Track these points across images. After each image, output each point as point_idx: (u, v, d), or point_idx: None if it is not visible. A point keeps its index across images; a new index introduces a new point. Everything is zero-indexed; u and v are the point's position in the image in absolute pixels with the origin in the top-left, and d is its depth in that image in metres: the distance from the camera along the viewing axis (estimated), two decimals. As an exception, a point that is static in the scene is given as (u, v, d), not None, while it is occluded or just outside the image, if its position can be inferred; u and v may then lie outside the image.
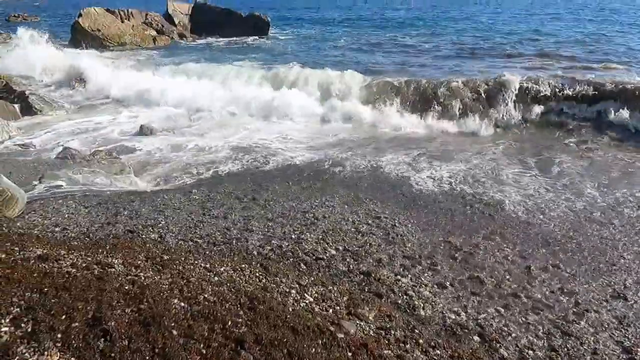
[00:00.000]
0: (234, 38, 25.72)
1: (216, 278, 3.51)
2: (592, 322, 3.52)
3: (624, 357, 3.15)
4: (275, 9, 48.45)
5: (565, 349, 3.17)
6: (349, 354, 2.70)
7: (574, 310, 3.68)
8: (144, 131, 8.71)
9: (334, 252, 4.38)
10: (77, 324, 2.68)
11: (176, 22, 27.16)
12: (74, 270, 3.38)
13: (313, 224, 5.02)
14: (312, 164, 7.36)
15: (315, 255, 4.27)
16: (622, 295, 3.90)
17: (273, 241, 4.53)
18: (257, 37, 26.40)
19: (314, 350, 2.68)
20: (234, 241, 4.48)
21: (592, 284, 4.05)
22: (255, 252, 4.24)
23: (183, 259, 3.84)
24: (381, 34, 26.30)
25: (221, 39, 26.10)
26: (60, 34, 27.29)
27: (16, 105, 10.33)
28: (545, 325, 3.44)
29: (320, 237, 4.70)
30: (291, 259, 4.12)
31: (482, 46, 20.62)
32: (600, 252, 4.62)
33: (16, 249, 3.77)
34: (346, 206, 5.58)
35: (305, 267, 4.00)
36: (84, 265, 3.50)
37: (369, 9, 52.40)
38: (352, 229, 4.95)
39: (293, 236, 4.68)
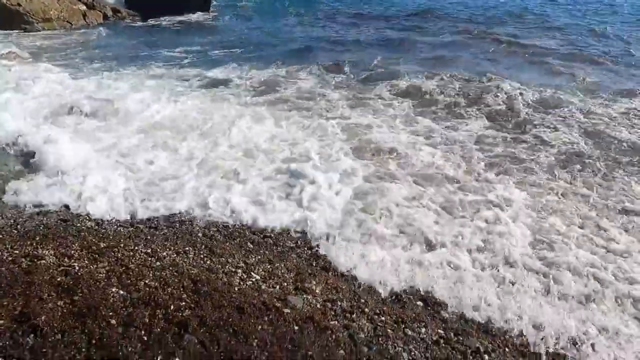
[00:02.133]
0: (175, 17, 24.36)
1: (158, 263, 3.39)
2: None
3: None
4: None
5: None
6: (296, 327, 2.71)
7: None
8: (74, 112, 8.13)
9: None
10: (1, 321, 2.50)
11: (109, -5, 25.37)
12: (-3, 264, 3.13)
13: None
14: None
15: (263, 234, 4.23)
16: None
17: (220, 221, 4.43)
18: (200, 13, 25.22)
19: (260, 327, 2.67)
20: (178, 224, 4.34)
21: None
22: (200, 234, 4.13)
23: (122, 245, 3.66)
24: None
25: (160, 18, 24.69)
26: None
27: None
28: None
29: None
30: (238, 239, 4.06)
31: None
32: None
33: None
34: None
35: (252, 246, 3.96)
36: (10, 259, 3.25)
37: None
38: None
39: (240, 215, 4.59)
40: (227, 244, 3.96)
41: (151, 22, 23.49)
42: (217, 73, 10.65)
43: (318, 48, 14.37)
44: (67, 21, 20.65)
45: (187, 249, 3.75)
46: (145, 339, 2.50)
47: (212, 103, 8.29)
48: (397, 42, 15.22)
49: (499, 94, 8.55)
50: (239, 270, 3.38)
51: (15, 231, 4.01)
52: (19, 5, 19.29)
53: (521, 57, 12.64)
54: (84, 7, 22.07)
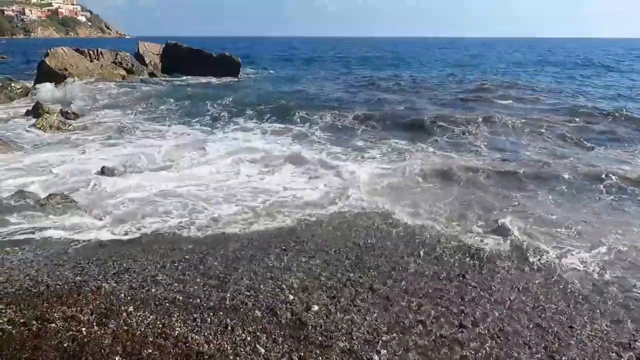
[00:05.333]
0: (202, 79, 25.91)
1: (163, 330, 3.38)
2: None
3: None
4: (252, 54, 50.07)
5: None
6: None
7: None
8: (105, 172, 8.52)
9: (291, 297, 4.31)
10: (5, 389, 2.51)
11: (147, 61, 27.31)
12: (10, 327, 3.21)
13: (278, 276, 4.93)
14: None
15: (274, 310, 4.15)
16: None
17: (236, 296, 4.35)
18: (230, 77, 26.75)
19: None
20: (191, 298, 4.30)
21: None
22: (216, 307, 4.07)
23: (131, 309, 3.69)
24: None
25: (188, 77, 26.29)
26: (26, 72, 27.06)
27: (-29, 147, 9.98)
28: None
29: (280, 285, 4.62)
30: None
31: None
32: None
33: (-50, 304, 3.55)
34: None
35: (262, 316, 3.91)
36: (22, 321, 3.33)
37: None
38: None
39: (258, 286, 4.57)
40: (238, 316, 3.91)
41: (178, 80, 24.89)
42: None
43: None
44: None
45: (195, 316, 3.73)
46: (142, 414, 2.45)
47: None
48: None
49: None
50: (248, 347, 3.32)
51: (33, 290, 4.09)
52: (66, 70, 20.97)
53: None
54: (124, 72, 23.79)
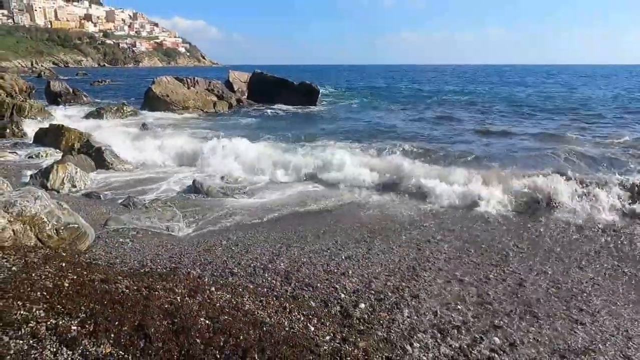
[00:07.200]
0: (286, 106, 27.92)
1: (237, 305, 4.22)
2: None
3: None
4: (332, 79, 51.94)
5: None
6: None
7: None
8: (196, 186, 9.90)
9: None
10: (126, 328, 3.48)
11: (235, 88, 29.99)
12: (127, 290, 4.24)
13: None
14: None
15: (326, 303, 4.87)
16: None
17: (294, 282, 5.19)
18: (307, 105, 28.50)
19: (304, 362, 3.27)
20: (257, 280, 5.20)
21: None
22: (275, 291, 4.91)
23: (213, 289, 4.61)
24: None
25: (274, 105, 28.42)
26: (134, 97, 31.05)
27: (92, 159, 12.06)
28: None
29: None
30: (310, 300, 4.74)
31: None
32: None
33: (85, 273, 4.70)
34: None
35: (315, 306, 4.62)
36: (135, 288, 4.35)
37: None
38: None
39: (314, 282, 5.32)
40: (299, 299, 4.66)
41: (265, 109, 26.93)
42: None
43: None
44: (201, 109, 24.79)
45: (261, 299, 4.55)
46: (218, 357, 3.26)
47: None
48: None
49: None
50: (300, 322, 4.06)
51: (141, 270, 5.22)
52: (167, 96, 23.90)
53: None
54: (215, 98, 26.41)
